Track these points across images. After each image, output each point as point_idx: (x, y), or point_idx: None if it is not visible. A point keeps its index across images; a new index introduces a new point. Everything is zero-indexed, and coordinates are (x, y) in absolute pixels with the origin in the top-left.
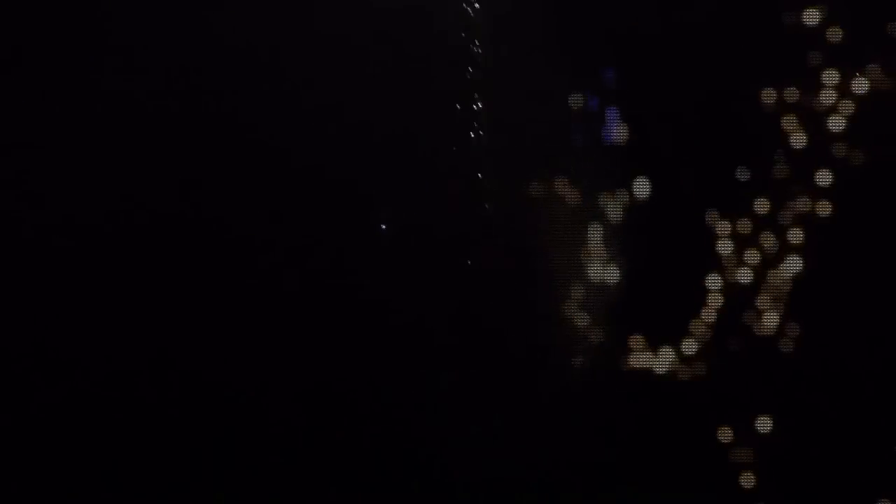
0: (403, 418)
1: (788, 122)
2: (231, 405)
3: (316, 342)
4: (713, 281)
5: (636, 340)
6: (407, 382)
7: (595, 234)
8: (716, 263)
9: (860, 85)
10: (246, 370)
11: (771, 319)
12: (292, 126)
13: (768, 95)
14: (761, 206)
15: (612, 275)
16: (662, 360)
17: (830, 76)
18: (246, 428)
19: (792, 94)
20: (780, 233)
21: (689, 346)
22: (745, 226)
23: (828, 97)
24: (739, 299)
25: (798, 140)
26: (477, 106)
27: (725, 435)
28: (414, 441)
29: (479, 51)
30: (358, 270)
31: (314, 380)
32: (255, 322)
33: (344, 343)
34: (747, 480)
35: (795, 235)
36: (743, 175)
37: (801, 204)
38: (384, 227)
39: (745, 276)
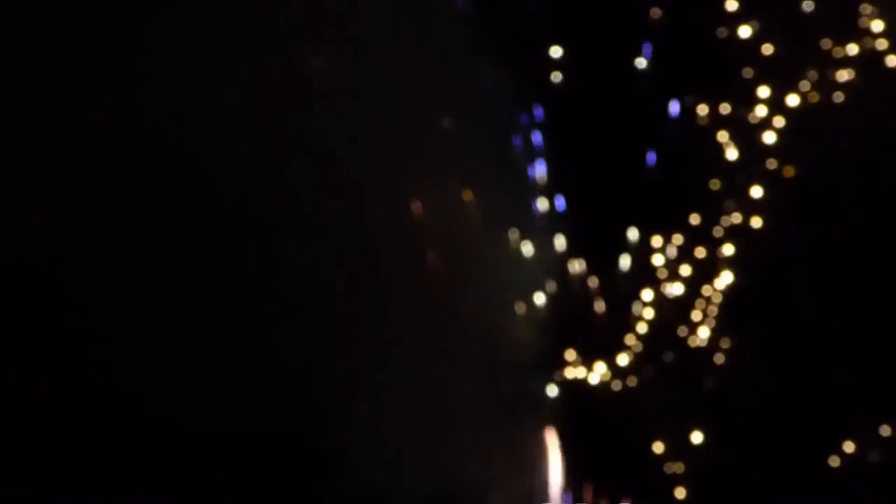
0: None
1: (722, 136)
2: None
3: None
4: (647, 295)
5: (570, 354)
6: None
7: (527, 249)
8: (650, 277)
9: (793, 99)
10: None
11: (704, 332)
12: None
13: (702, 109)
14: (694, 219)
15: (547, 290)
16: (596, 373)
17: (764, 90)
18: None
19: (725, 108)
20: (714, 246)
21: (623, 359)
22: (678, 240)
23: (761, 111)
24: (673, 312)
25: (731, 153)
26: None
27: (658, 447)
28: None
29: None
30: None
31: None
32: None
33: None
34: (680, 492)
35: (728, 248)
36: (676, 189)
37: (735, 217)
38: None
39: (678, 289)
